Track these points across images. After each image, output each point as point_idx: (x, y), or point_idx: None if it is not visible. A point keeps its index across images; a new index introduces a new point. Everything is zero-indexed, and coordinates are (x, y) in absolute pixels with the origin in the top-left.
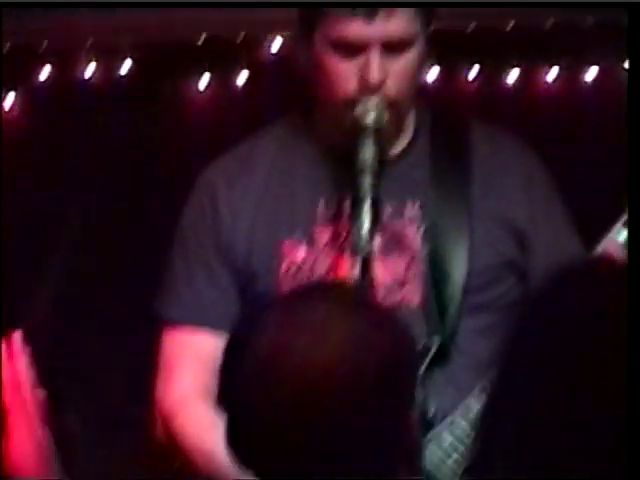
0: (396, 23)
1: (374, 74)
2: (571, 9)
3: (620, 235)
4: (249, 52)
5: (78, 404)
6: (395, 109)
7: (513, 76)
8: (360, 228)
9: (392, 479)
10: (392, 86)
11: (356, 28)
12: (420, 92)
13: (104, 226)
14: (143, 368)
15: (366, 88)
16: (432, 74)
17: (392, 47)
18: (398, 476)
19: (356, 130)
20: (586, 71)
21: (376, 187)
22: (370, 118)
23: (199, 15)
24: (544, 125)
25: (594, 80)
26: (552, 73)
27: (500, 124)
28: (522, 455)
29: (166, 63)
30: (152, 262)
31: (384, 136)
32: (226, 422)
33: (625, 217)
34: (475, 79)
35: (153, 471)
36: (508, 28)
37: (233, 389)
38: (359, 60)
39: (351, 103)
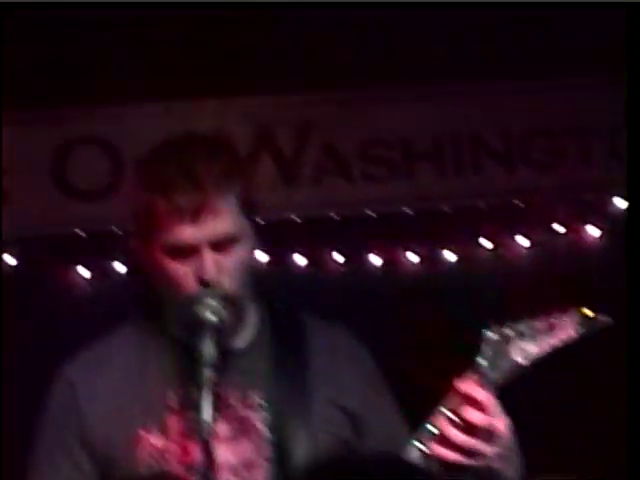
0: (221, 222)
1: (207, 272)
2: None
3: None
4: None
5: None
6: (232, 303)
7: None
8: (200, 416)
9: None
10: (226, 281)
11: (184, 232)
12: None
13: None
14: None
15: (202, 286)
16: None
17: (220, 245)
18: None
19: (196, 326)
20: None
21: (215, 379)
22: (208, 314)
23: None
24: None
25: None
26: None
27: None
28: None
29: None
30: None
31: (224, 330)
32: None
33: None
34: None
35: None
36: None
37: None
38: (193, 260)
39: (190, 300)
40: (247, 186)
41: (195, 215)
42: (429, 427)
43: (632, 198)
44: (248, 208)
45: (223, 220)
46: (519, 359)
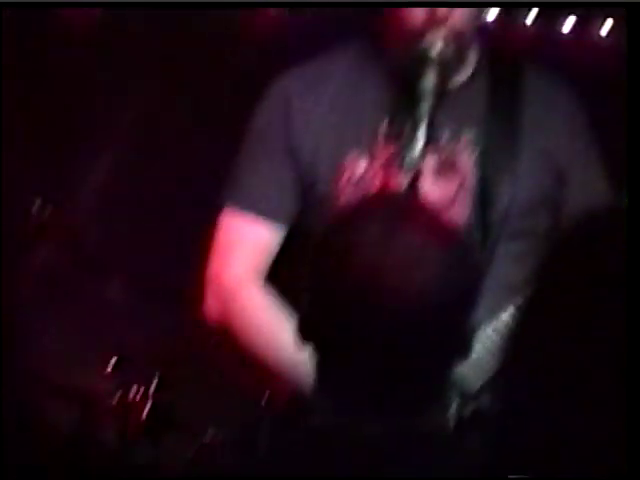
0: None
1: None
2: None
3: None
4: None
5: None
6: (459, 42)
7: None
8: (413, 147)
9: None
10: (457, 18)
11: None
12: (480, 31)
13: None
14: (193, 244)
15: (433, 20)
16: (492, 15)
17: None
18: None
19: (421, 60)
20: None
21: (432, 113)
22: (435, 50)
23: None
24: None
25: None
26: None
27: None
28: (542, 373)
29: None
30: (219, 155)
31: (446, 68)
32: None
33: None
34: (533, 24)
35: (198, 345)
36: None
37: (327, 287)
38: None
39: (419, 34)
40: None
41: None
42: None
43: None
44: None
45: None
46: None
